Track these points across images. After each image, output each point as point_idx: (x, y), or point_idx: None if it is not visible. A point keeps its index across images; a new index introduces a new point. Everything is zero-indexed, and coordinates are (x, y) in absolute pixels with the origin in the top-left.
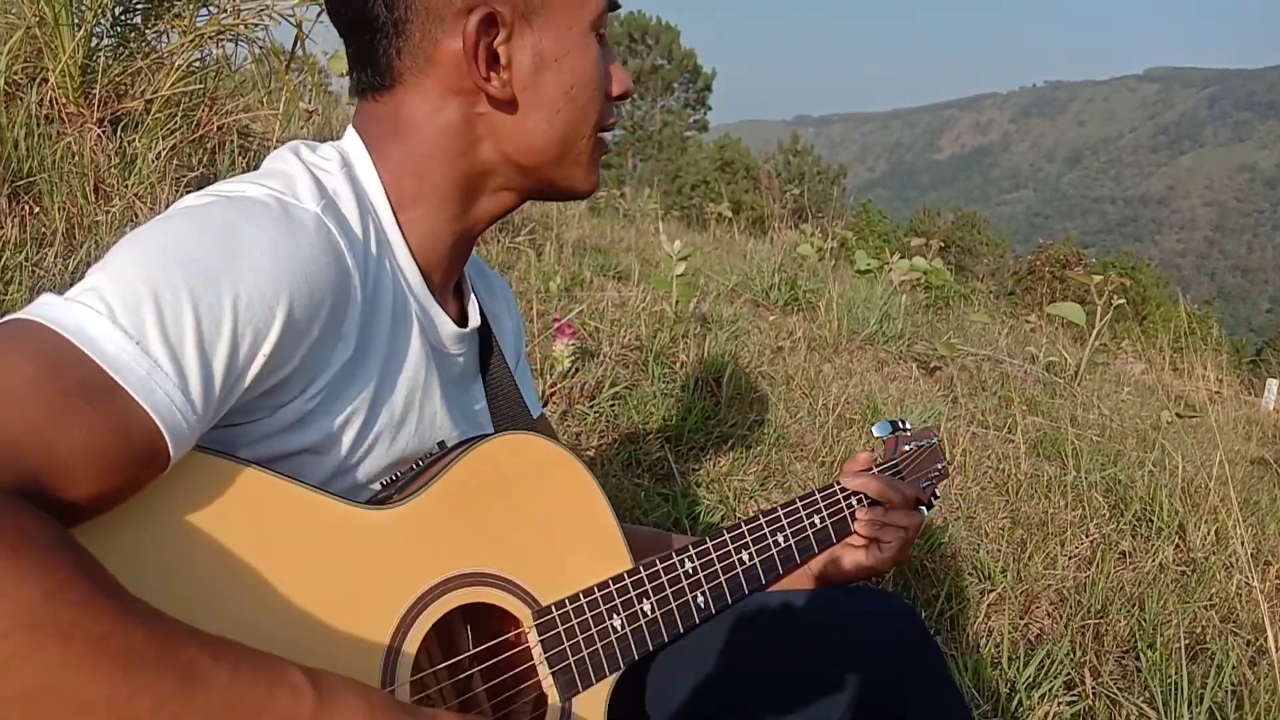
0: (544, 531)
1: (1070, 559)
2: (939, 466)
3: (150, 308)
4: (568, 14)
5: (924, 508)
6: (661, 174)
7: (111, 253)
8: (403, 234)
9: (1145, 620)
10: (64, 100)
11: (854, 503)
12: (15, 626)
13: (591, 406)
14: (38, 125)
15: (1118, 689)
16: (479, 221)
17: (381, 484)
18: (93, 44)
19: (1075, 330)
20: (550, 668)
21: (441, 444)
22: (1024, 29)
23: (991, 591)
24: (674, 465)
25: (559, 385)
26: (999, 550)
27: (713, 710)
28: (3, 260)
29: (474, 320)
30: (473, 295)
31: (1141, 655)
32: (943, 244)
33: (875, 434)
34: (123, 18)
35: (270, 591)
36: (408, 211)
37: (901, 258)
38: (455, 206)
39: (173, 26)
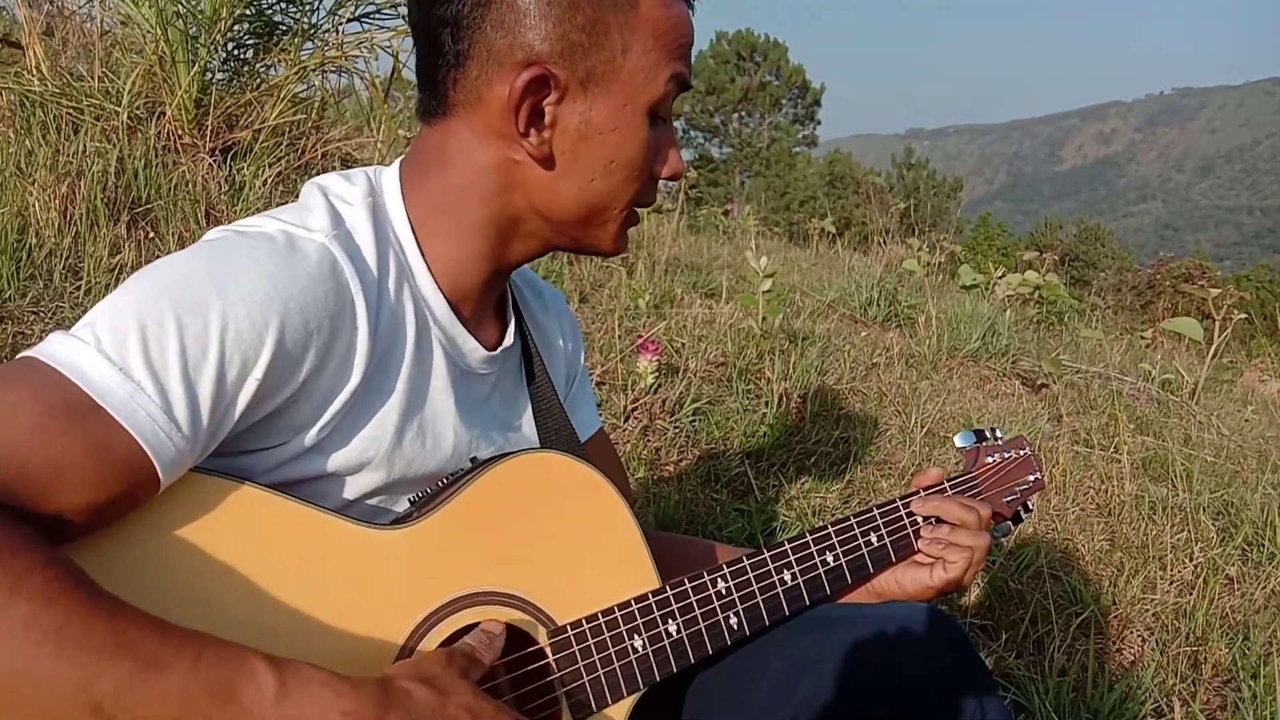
0: (564, 550)
1: (1171, 583)
2: (1031, 478)
3: (135, 337)
4: (628, 91)
5: (1010, 522)
6: (769, 191)
7: (118, 289)
8: (427, 265)
9: (1249, 649)
10: (180, 132)
11: (919, 520)
12: None
13: (672, 421)
14: (155, 156)
15: None
16: (510, 262)
17: (410, 500)
18: (206, 78)
19: (1199, 347)
20: (563, 687)
21: (474, 459)
22: (1148, 35)
23: (1081, 615)
24: (753, 481)
25: (641, 400)
26: (1094, 573)
27: None
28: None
29: (507, 341)
30: (512, 316)
31: (1243, 686)
32: (1064, 258)
33: (957, 444)
34: (235, 53)
35: (271, 612)
36: (435, 244)
37: (1012, 272)
38: (485, 245)
39: (279, 60)
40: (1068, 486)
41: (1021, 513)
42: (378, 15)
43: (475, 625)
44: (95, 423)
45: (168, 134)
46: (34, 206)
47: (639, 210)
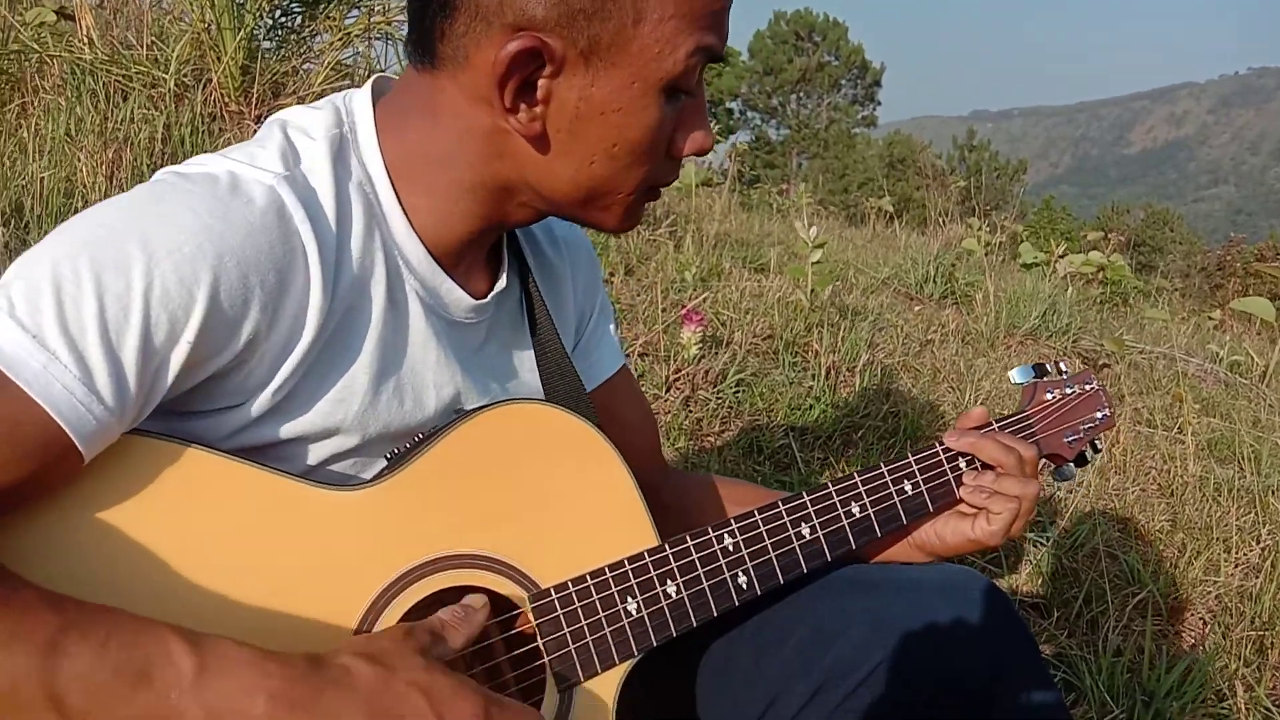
0: (548, 508)
1: (1236, 566)
2: (1099, 415)
3: (50, 300)
4: (637, 67)
5: (1073, 464)
6: (827, 173)
7: (42, 240)
8: (404, 211)
9: None
10: (225, 99)
11: (961, 465)
12: None
13: (715, 392)
14: (201, 123)
15: (1276, 706)
16: (506, 224)
17: (385, 458)
18: (252, 46)
19: (1270, 331)
20: (548, 654)
21: (458, 411)
22: (1223, 12)
23: (1138, 595)
24: (797, 454)
25: (684, 371)
26: (1154, 553)
27: (773, 706)
28: None
29: (499, 285)
30: (507, 256)
31: None
32: (1130, 242)
33: (1014, 380)
34: (281, 20)
35: (212, 587)
36: (416, 194)
37: (1075, 252)
38: (475, 207)
39: (324, 27)
40: (1128, 466)
41: (1088, 454)
42: None
43: (444, 592)
44: (5, 397)
45: (214, 101)
46: (81, 171)
47: (659, 188)
